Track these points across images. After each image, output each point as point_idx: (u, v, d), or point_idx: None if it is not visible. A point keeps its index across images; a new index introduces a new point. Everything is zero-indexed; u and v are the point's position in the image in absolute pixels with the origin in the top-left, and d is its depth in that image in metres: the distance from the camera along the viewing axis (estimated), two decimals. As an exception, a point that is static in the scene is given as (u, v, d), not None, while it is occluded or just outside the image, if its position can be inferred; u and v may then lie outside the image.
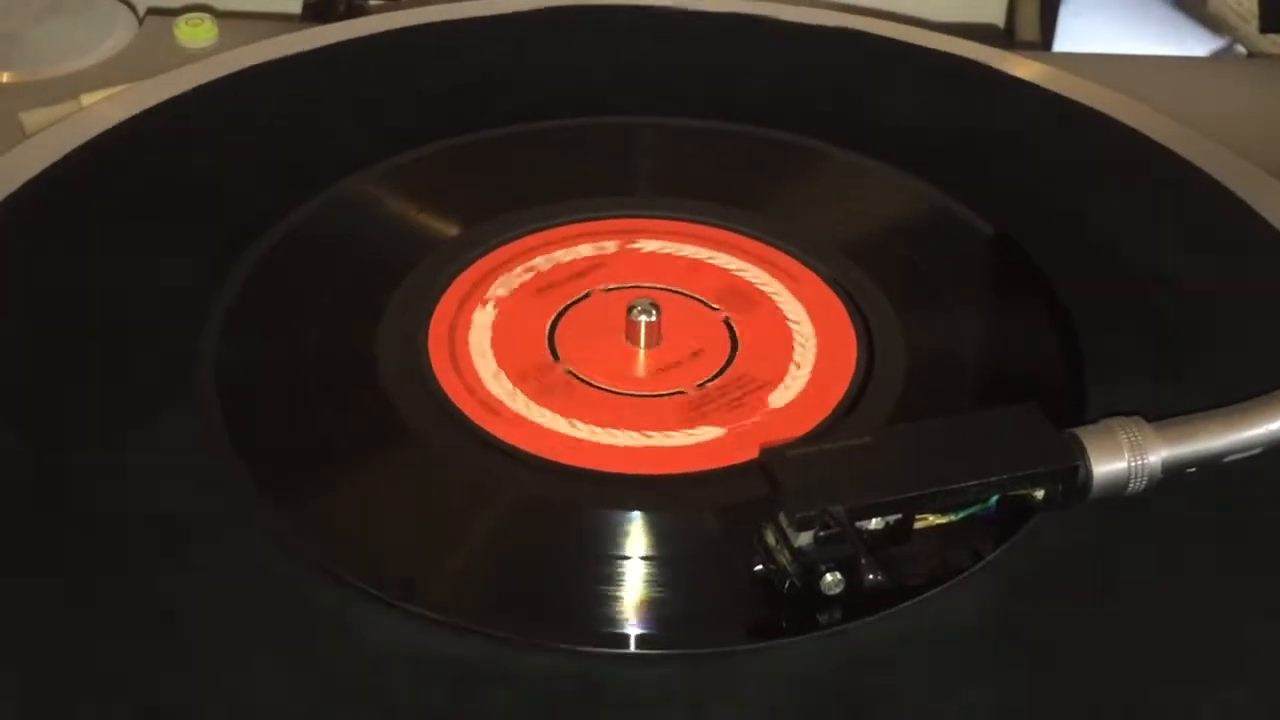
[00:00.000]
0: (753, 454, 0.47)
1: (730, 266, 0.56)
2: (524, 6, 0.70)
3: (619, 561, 0.43)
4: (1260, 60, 0.83)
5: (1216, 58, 0.89)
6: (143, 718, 0.38)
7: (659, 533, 0.44)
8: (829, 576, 0.41)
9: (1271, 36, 0.83)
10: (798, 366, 0.51)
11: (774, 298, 0.55)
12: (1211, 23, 0.91)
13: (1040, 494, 0.43)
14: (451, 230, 0.57)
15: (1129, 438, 0.43)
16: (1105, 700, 0.40)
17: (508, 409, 0.49)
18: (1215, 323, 0.53)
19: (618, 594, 0.42)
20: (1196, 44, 0.95)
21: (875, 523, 0.41)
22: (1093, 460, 0.43)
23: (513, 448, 0.47)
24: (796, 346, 0.52)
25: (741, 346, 0.52)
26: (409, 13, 0.70)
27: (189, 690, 0.39)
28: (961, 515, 0.43)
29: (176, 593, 0.41)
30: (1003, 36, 0.93)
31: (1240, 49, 0.88)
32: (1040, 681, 0.40)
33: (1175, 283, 0.55)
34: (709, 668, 0.40)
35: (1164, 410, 0.45)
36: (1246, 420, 0.44)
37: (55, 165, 0.57)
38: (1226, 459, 0.44)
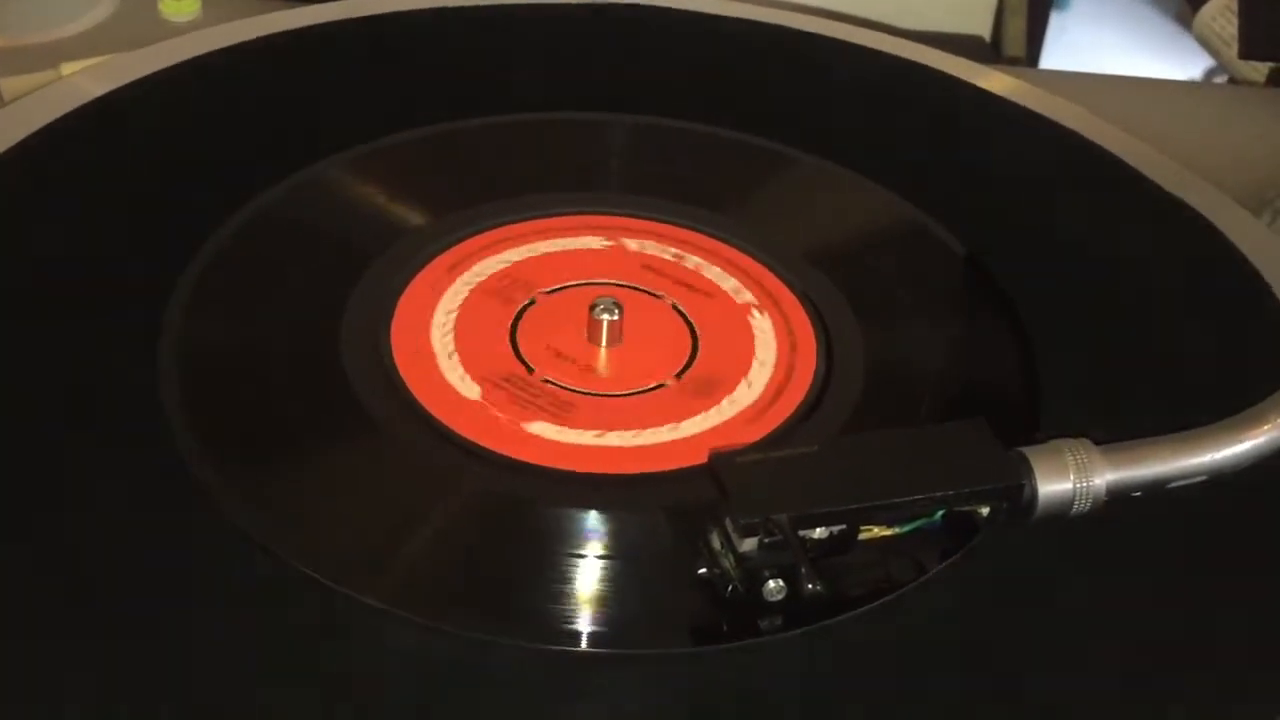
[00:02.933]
0: (700, 457, 0.47)
1: (696, 268, 0.56)
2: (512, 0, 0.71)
3: (566, 559, 0.43)
4: (1241, 88, 0.83)
5: (1197, 83, 0.89)
6: (93, 703, 0.38)
7: (606, 532, 0.44)
8: (771, 583, 0.41)
9: (1253, 63, 0.83)
10: (757, 370, 0.52)
11: (738, 301, 0.55)
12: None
13: (985, 511, 0.43)
14: (419, 220, 0.57)
15: (1075, 459, 0.43)
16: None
17: (461, 398, 0.49)
18: (1174, 348, 0.54)
19: (561, 592, 0.42)
20: (1193, 59, 0.96)
21: (820, 532, 0.42)
22: (1039, 480, 0.43)
23: (462, 438, 0.48)
24: (757, 351, 0.53)
25: (702, 350, 0.52)
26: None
27: (135, 669, 0.39)
28: (907, 529, 0.43)
29: (124, 570, 0.42)
30: (988, 49, 0.94)
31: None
32: (978, 694, 0.41)
33: (1136, 306, 0.55)
34: (644, 669, 0.41)
35: (1116, 432, 0.45)
36: (1193, 448, 0.44)
37: (29, 136, 0.57)
38: (1171, 485, 0.44)
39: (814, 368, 0.52)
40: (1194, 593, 0.44)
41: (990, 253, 0.57)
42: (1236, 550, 0.46)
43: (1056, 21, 1.12)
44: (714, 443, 0.48)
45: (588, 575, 0.43)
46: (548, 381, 0.50)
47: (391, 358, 0.50)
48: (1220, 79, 0.93)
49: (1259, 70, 0.83)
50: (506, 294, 0.54)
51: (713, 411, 0.50)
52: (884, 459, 0.43)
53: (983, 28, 0.94)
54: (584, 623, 0.42)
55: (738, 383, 0.51)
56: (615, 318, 0.52)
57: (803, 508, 0.41)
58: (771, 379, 0.51)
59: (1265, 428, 0.45)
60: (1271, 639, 0.42)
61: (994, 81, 0.69)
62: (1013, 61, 0.94)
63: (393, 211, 0.58)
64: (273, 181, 0.57)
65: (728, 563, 0.41)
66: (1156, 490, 0.44)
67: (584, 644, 0.41)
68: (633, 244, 0.57)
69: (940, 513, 0.43)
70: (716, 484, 0.42)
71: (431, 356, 0.51)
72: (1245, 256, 0.57)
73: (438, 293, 0.54)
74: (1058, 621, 0.43)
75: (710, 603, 0.42)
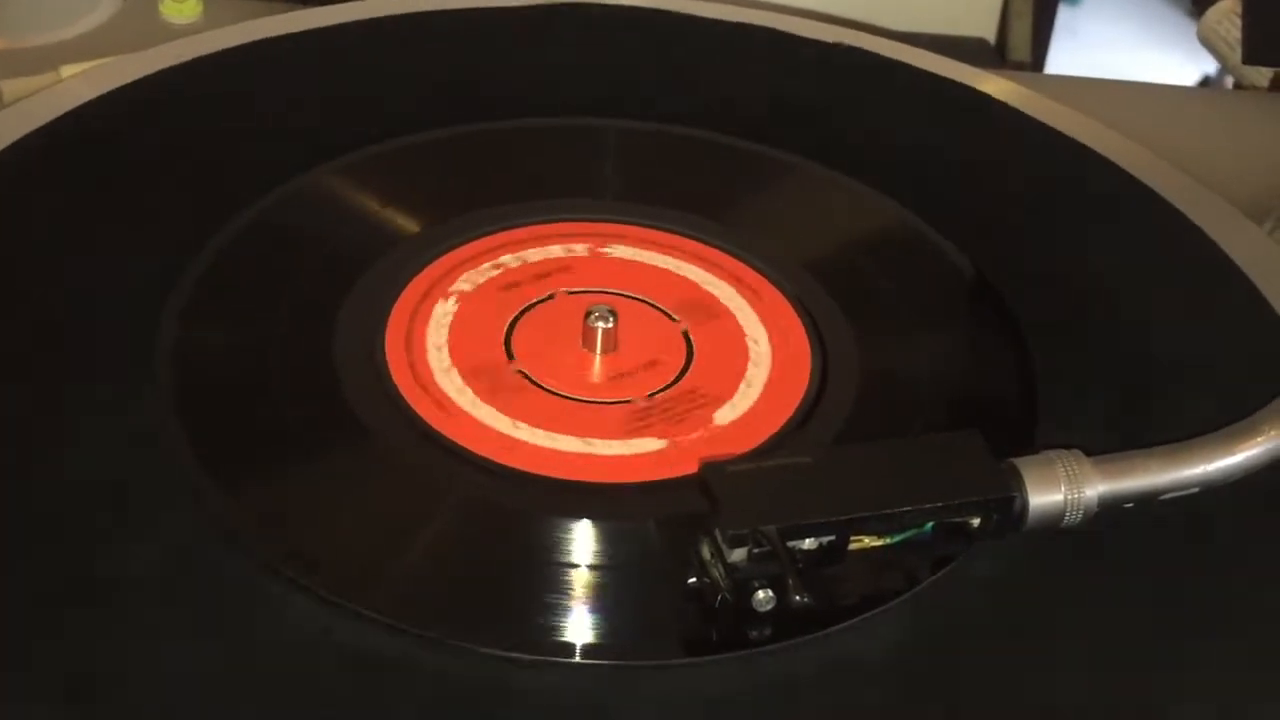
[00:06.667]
0: (694, 468, 0.47)
1: (694, 277, 0.56)
2: (507, 3, 0.70)
3: (547, 568, 0.43)
4: (1244, 93, 0.83)
5: (1199, 88, 0.89)
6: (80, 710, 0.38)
7: (590, 541, 0.44)
8: (761, 593, 0.41)
9: (1259, 69, 0.83)
10: (749, 383, 0.52)
11: (734, 311, 0.55)
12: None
13: (976, 522, 0.43)
14: (419, 224, 0.57)
15: (1067, 471, 0.43)
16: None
17: (455, 405, 0.49)
18: (1170, 358, 0.53)
19: (542, 600, 0.42)
20: (1205, 55, 0.95)
21: (810, 543, 0.42)
22: (1030, 491, 0.43)
23: (455, 445, 0.48)
24: (751, 362, 0.52)
25: (696, 359, 0.52)
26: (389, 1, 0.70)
27: (121, 671, 0.39)
28: (897, 539, 0.43)
29: (112, 573, 0.42)
30: (993, 52, 0.94)
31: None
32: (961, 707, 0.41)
33: (1133, 314, 0.55)
34: (626, 680, 0.41)
35: (1113, 443, 0.45)
36: (1185, 459, 0.44)
37: (27, 137, 0.57)
38: (1163, 497, 0.44)
39: (809, 376, 0.52)
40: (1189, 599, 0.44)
41: (988, 260, 0.57)
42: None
43: (1068, 17, 1.11)
44: (686, 457, 0.48)
45: (578, 585, 0.43)
46: (539, 385, 0.51)
47: (385, 358, 0.50)
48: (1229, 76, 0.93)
49: (1263, 75, 0.82)
50: (507, 297, 0.54)
51: (688, 430, 0.50)
52: (875, 470, 0.43)
53: (987, 30, 0.94)
54: (573, 633, 0.42)
55: (722, 403, 0.51)
56: (609, 325, 0.51)
57: (792, 519, 0.41)
58: (765, 389, 0.51)
59: (1258, 439, 0.45)
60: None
61: (995, 86, 0.68)
62: (1018, 65, 0.94)
63: (391, 216, 0.58)
64: (271, 186, 0.57)
65: (717, 573, 0.41)
66: (1149, 502, 0.44)
67: (578, 655, 0.41)
68: (633, 252, 0.57)
69: (930, 524, 0.43)
70: (707, 493, 0.42)
71: (424, 358, 0.51)
72: (1242, 266, 0.57)
73: (437, 294, 0.54)
74: (1048, 631, 0.43)
75: (700, 613, 0.42)
